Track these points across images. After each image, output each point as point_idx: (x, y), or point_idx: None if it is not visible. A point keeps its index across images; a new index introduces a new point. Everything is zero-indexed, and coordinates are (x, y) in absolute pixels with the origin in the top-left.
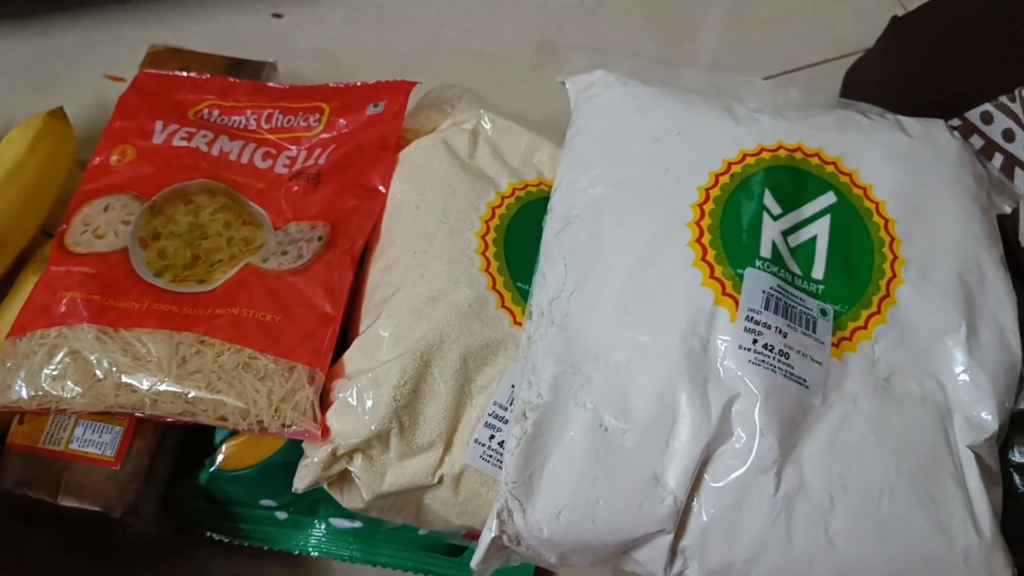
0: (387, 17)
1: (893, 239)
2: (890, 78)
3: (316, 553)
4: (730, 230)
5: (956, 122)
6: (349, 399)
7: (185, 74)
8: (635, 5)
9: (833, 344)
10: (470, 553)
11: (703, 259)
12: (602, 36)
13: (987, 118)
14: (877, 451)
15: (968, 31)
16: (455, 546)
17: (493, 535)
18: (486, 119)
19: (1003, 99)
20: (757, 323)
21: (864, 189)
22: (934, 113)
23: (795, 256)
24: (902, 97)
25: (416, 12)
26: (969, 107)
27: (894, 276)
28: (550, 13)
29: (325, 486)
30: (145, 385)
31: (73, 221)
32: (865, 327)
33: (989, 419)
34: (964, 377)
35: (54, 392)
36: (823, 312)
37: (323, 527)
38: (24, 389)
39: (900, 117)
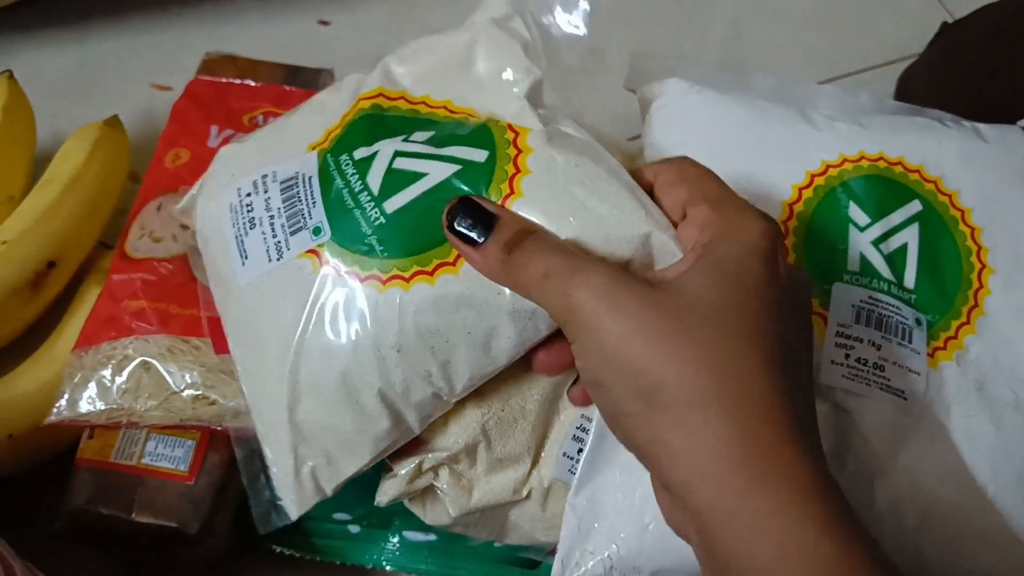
0: (430, 22)
1: (980, 248)
2: (945, 84)
3: (390, 567)
4: (815, 246)
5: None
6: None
7: (239, 81)
8: (678, 9)
9: (928, 354)
10: (546, 568)
11: None
12: (648, 41)
13: None
14: (973, 462)
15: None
16: (531, 559)
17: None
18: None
19: None
20: (848, 337)
21: (949, 197)
22: (993, 116)
23: (889, 264)
24: (959, 101)
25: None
26: None
27: (981, 286)
28: (596, 18)
29: (406, 502)
30: (224, 398)
31: (131, 226)
32: (956, 337)
33: None
34: None
35: (126, 405)
36: (918, 321)
37: (397, 540)
38: (95, 403)
39: (976, 124)
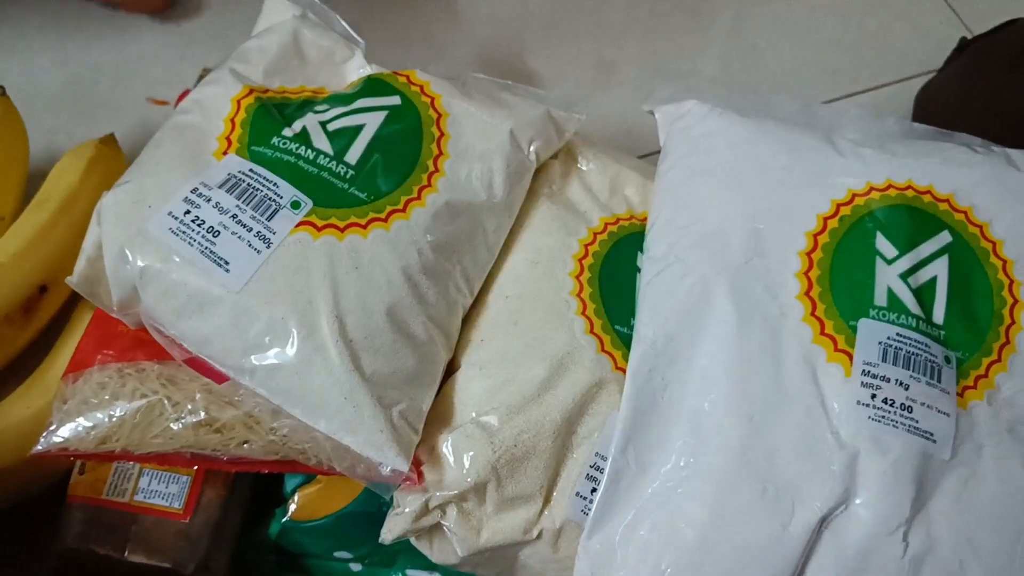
0: (437, 37)
1: (1012, 281)
2: (970, 100)
3: None
4: (841, 279)
5: None
6: (445, 450)
7: None
8: (694, 24)
9: (958, 394)
10: None
11: (812, 314)
12: (661, 55)
13: None
14: (1007, 507)
15: None
16: None
17: None
18: (581, 149)
19: None
20: (875, 376)
21: (980, 227)
22: (1020, 135)
23: (918, 298)
24: (989, 120)
25: (468, 31)
26: None
27: (1013, 322)
28: (608, 32)
29: (412, 539)
30: (227, 423)
31: None
32: (987, 375)
33: None
34: None
35: (121, 434)
36: (947, 359)
37: None
38: (85, 431)
39: (1007, 150)
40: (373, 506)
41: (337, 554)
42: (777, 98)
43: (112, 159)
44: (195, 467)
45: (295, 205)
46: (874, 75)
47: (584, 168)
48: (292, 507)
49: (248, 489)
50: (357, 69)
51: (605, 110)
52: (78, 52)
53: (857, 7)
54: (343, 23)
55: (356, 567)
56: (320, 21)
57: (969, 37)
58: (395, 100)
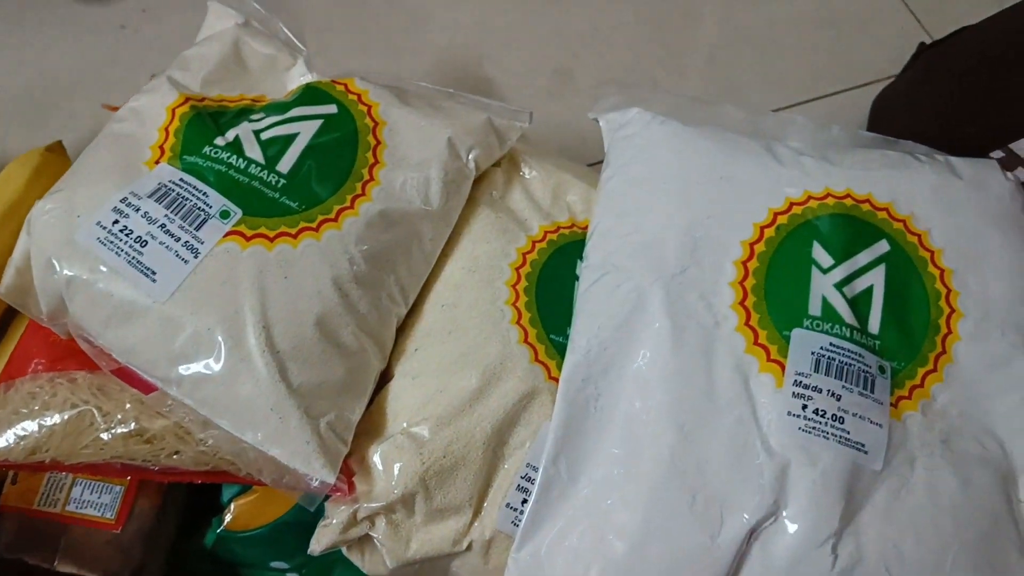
0: (397, 45)
1: (949, 291)
2: (922, 108)
3: None
4: (776, 288)
5: (999, 154)
6: (374, 461)
7: None
8: (651, 32)
9: (892, 404)
10: None
11: (747, 323)
12: (618, 64)
13: None
14: (936, 519)
15: (1009, 61)
16: None
17: None
18: (525, 157)
19: None
20: (806, 387)
21: (919, 236)
22: (974, 143)
23: (853, 308)
24: (937, 127)
25: (427, 39)
26: (1014, 138)
27: (950, 332)
28: (565, 40)
29: (344, 550)
30: (157, 434)
31: None
32: (922, 385)
33: None
34: None
35: (51, 444)
36: (881, 369)
37: None
38: (15, 441)
39: (950, 158)
40: (309, 516)
41: (273, 564)
42: (723, 107)
43: (59, 166)
44: (128, 477)
45: (224, 214)
46: (833, 81)
47: (527, 176)
48: (228, 517)
49: (183, 499)
50: (299, 77)
51: (560, 118)
52: (34, 58)
53: (817, 14)
54: (287, 31)
55: None
56: (264, 29)
57: (928, 43)
58: (331, 108)
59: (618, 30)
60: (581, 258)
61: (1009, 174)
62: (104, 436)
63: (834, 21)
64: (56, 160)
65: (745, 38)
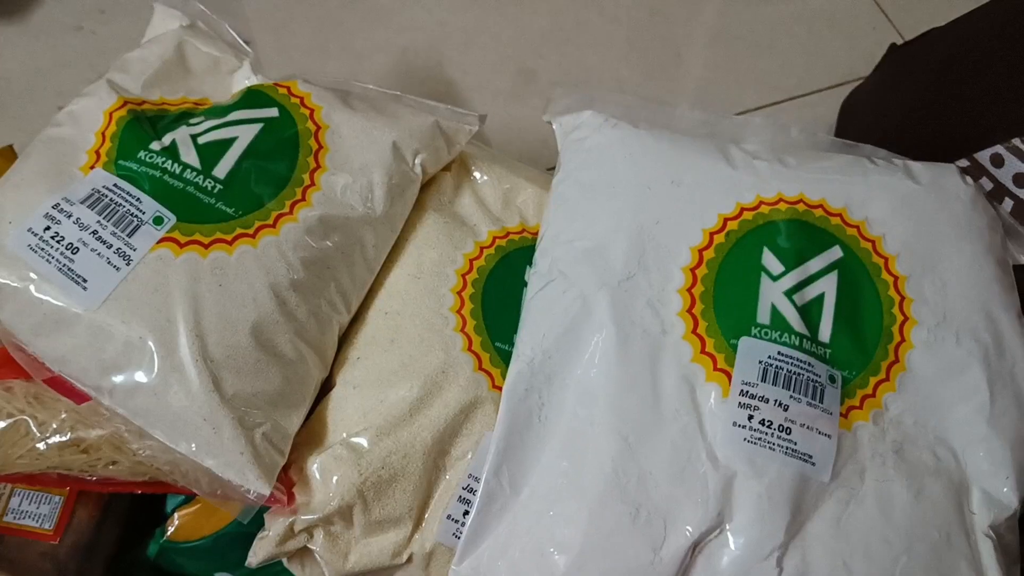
0: (356, 46)
1: (903, 298)
2: (889, 111)
3: None
4: (724, 296)
5: (964, 163)
6: (312, 471)
7: None
8: (617, 32)
9: (842, 414)
10: None
11: (694, 331)
12: (583, 64)
13: (998, 160)
14: (886, 532)
15: (975, 66)
16: None
17: None
18: (475, 160)
19: (1016, 141)
20: (752, 397)
21: (872, 243)
22: (938, 150)
23: (803, 316)
24: (902, 131)
25: (387, 40)
26: (978, 147)
27: (903, 340)
28: (529, 40)
29: (284, 562)
30: (93, 444)
31: None
32: (873, 395)
33: (1008, 494)
34: (981, 447)
35: None
36: (831, 379)
37: None
38: None
39: (908, 162)
40: (253, 527)
41: (217, 575)
42: (679, 110)
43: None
44: (67, 488)
45: (157, 221)
46: (802, 82)
47: (478, 180)
48: (171, 528)
49: (125, 508)
50: (244, 80)
51: (523, 120)
52: None
53: (786, 13)
54: (233, 33)
55: None
56: (209, 30)
57: (900, 44)
58: (272, 112)
59: (583, 29)
60: (530, 264)
61: (969, 179)
62: (40, 446)
63: (806, 20)
64: (4, 165)
65: (714, 38)
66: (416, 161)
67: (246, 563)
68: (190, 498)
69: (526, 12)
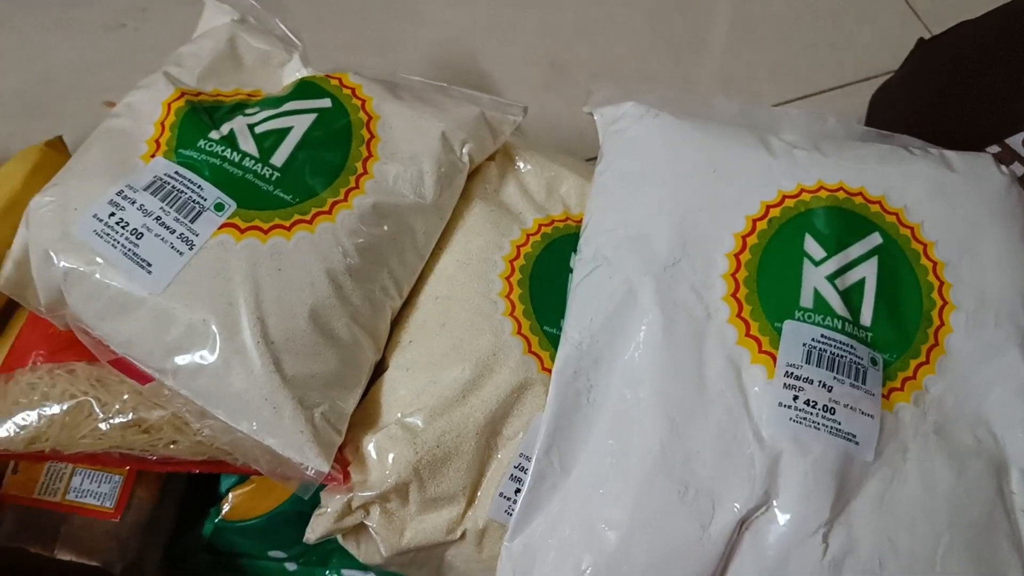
0: (390, 40)
1: (942, 283)
2: (917, 102)
3: None
4: (768, 281)
5: (995, 148)
6: (368, 450)
7: None
8: (645, 25)
9: (883, 395)
10: None
11: (739, 315)
12: (613, 57)
13: None
14: (929, 510)
15: (1001, 54)
16: None
17: None
18: (519, 150)
19: None
20: (798, 378)
21: (911, 229)
22: (968, 138)
23: (845, 300)
24: (931, 121)
25: (420, 34)
26: (1009, 133)
27: (943, 324)
28: (559, 33)
29: (339, 538)
30: (154, 424)
31: None
32: (914, 377)
33: None
34: (1019, 428)
35: (51, 434)
36: (873, 361)
37: None
38: (16, 431)
39: (944, 151)
40: (306, 506)
41: (271, 553)
42: (717, 99)
43: (59, 162)
44: (127, 467)
45: (218, 207)
46: (831, 76)
47: (521, 169)
48: (226, 507)
49: (182, 488)
50: (294, 72)
51: (557, 112)
52: (35, 57)
53: (817, 8)
54: (283, 27)
55: (291, 566)
56: (259, 25)
57: (927, 38)
58: (326, 103)
59: (613, 22)
60: (575, 251)
61: (1004, 168)
62: (102, 426)
63: (835, 15)
64: (56, 155)
65: (743, 31)
66: (464, 151)
67: (304, 539)
68: (244, 478)
69: (556, 6)
